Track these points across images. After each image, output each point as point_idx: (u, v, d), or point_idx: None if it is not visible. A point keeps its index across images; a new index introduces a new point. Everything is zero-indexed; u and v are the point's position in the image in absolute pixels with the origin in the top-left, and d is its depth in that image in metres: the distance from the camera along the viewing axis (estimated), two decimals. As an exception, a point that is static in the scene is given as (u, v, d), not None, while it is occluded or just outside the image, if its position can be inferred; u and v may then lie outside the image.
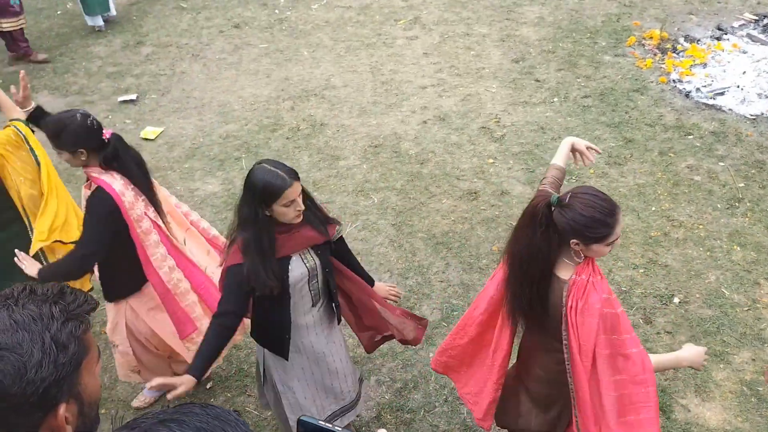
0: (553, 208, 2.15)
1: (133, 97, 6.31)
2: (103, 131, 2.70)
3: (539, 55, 6.61)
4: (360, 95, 6.17)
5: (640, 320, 3.85)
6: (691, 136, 5.35)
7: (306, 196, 2.43)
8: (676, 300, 3.98)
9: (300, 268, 2.47)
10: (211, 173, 5.26)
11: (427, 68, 6.53)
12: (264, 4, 8.10)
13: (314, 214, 2.50)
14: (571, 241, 2.13)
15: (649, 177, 4.96)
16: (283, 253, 2.41)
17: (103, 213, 2.67)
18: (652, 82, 6.05)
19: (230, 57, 6.98)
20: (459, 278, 4.18)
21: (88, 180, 2.80)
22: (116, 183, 2.70)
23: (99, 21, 7.68)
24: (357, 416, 3.07)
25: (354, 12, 7.75)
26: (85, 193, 2.80)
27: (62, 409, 1.03)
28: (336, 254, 2.67)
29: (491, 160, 5.21)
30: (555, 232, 2.16)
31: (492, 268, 4.22)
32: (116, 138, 2.73)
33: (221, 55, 7.03)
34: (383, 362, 3.67)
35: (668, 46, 6.59)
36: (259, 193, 2.27)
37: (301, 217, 2.38)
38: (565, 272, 2.22)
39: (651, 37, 6.70)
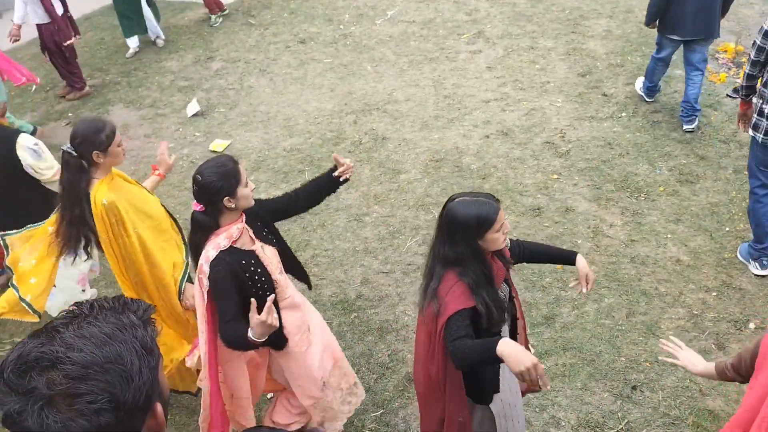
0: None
1: (198, 108, 6.49)
2: None
3: (607, 69, 6.46)
4: (422, 109, 6.18)
5: (713, 346, 3.68)
6: (769, 154, 5.11)
7: None
8: (751, 325, 3.78)
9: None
10: (275, 185, 5.37)
11: (491, 82, 6.48)
12: (329, 19, 8.25)
13: None
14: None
15: (722, 196, 4.76)
16: (497, 284, 2.38)
17: None
18: (726, 97, 5.82)
19: (296, 72, 7.13)
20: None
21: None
22: None
23: (135, 42, 7.80)
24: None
25: (417, 27, 7.79)
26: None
27: (159, 408, 1.11)
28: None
29: (555, 176, 5.11)
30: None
31: (555, 286, 4.13)
32: None
33: (287, 69, 7.19)
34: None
35: (743, 59, 6.32)
36: (474, 226, 2.23)
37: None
38: None
39: (725, 51, 6.45)
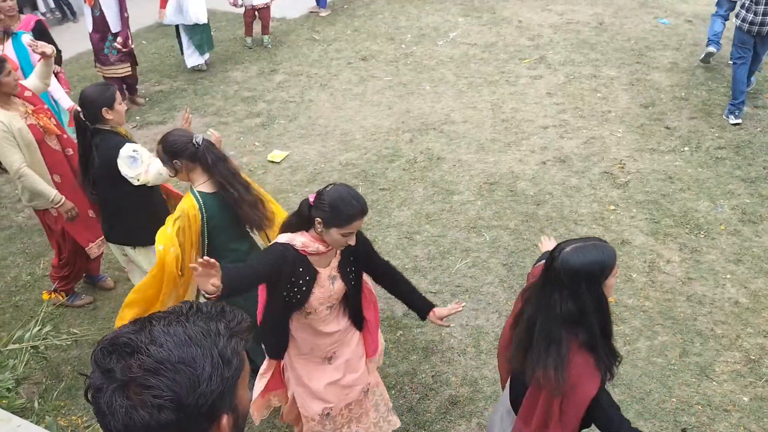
0: None
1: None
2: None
3: (671, 101, 6.34)
4: (479, 131, 6.18)
5: (770, 394, 3.54)
6: (841, 198, 4.91)
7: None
8: (813, 376, 3.62)
9: None
10: (329, 198, 5.43)
11: (550, 108, 6.44)
12: (391, 38, 8.35)
13: None
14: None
15: (788, 238, 4.59)
16: None
17: None
18: None
19: (356, 88, 7.23)
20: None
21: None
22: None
23: (199, 60, 7.82)
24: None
25: (479, 49, 7.82)
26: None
27: (224, 420, 1.11)
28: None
29: (612, 207, 5.03)
30: None
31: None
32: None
33: (347, 85, 7.31)
34: (485, 405, 3.60)
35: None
36: (597, 273, 2.10)
37: None
38: None
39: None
